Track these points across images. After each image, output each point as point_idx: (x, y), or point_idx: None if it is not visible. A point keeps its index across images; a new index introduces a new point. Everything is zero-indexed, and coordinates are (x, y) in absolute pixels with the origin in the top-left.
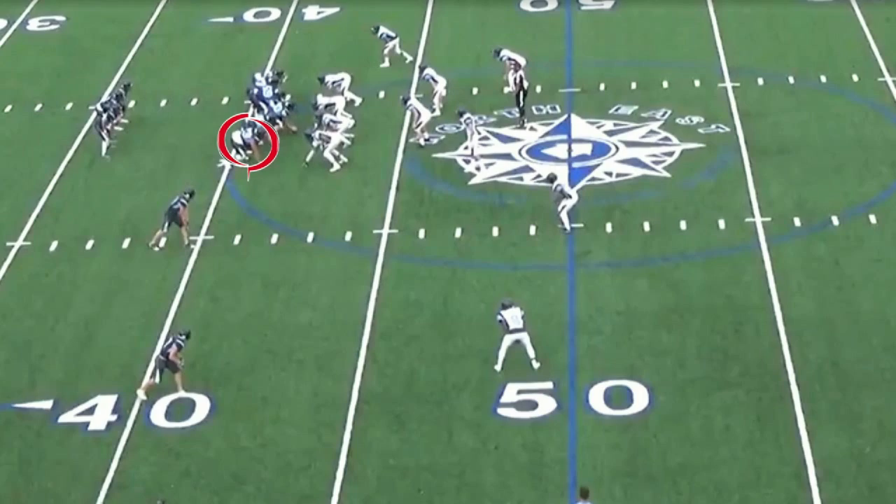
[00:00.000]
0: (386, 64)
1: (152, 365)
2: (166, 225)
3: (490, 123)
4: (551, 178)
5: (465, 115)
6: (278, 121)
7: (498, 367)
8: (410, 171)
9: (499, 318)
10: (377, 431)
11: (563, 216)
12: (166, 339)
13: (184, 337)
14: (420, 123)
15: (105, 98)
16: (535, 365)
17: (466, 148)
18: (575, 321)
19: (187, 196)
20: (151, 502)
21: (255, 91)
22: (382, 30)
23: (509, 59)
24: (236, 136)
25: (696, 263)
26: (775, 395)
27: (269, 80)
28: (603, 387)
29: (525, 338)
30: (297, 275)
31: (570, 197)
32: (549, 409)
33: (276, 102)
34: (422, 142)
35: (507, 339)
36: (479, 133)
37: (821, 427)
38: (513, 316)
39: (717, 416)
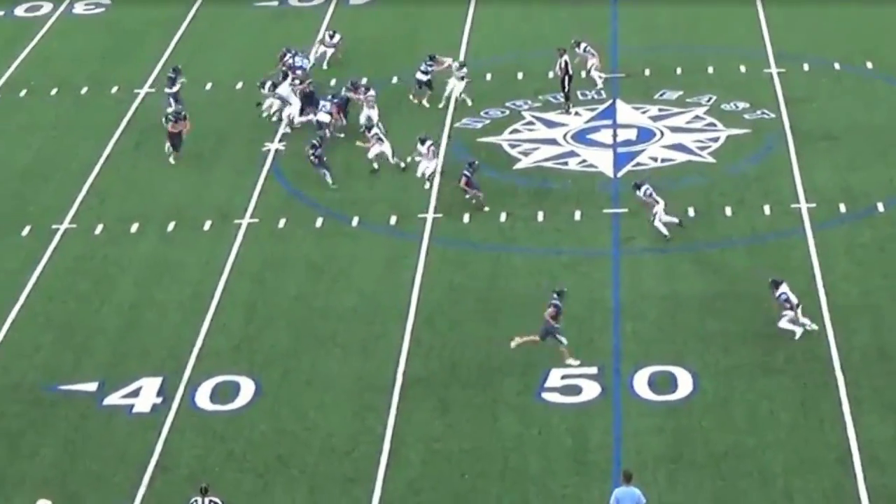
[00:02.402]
0: (599, 85)
1: None
2: None
3: (535, 108)
4: (637, 185)
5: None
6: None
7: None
8: (455, 156)
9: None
10: (421, 415)
11: (658, 224)
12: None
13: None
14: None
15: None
16: None
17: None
18: (619, 306)
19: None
20: (195, 485)
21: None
22: (584, 45)
23: (589, 51)
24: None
25: (740, 249)
26: (820, 381)
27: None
28: (647, 372)
29: None
30: (341, 259)
31: (658, 202)
32: (594, 394)
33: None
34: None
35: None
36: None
37: (865, 413)
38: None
39: (761, 402)
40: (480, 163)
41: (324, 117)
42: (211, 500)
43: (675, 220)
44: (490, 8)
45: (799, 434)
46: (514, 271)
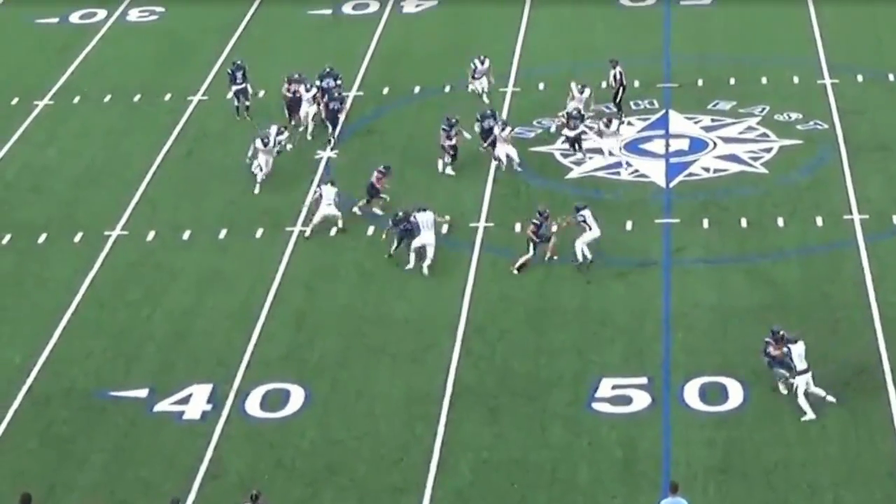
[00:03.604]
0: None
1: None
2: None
3: (588, 118)
4: (578, 208)
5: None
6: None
7: None
8: (507, 165)
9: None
10: (470, 425)
11: (579, 247)
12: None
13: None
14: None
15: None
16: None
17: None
18: (670, 317)
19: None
20: (245, 492)
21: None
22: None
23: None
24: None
25: (792, 260)
26: (871, 394)
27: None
28: (698, 383)
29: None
30: (392, 268)
31: (590, 229)
32: (644, 404)
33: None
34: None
35: None
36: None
37: None
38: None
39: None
40: (532, 172)
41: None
42: None
43: (589, 257)
44: (544, 16)
45: (849, 447)
46: (563, 281)
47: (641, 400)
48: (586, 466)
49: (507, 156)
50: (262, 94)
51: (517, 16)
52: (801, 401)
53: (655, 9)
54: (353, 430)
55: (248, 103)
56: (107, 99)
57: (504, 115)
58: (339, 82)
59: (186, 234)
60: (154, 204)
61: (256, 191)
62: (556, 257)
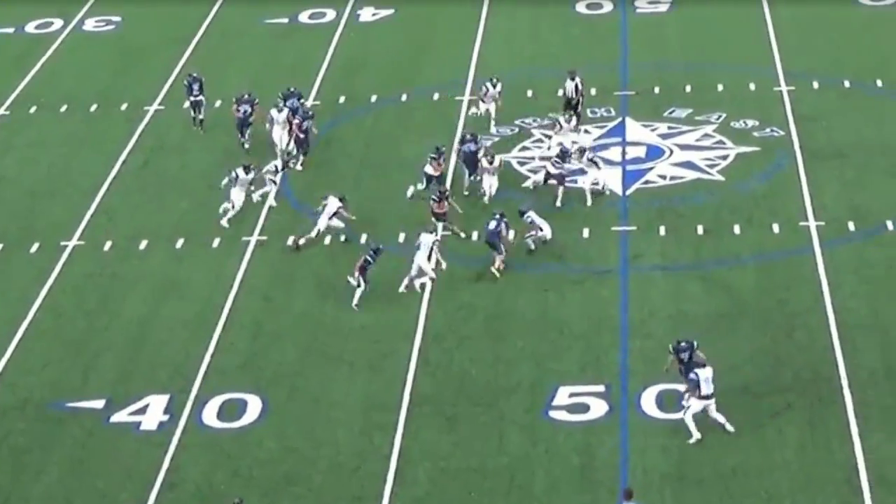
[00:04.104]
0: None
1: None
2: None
3: (545, 126)
4: (521, 212)
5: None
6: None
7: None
8: (463, 173)
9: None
10: (428, 433)
11: (529, 241)
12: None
13: (373, 252)
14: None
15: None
16: None
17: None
18: (627, 324)
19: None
20: (202, 502)
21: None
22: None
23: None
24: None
25: (749, 267)
26: (827, 401)
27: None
28: (655, 390)
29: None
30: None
31: (541, 229)
32: (601, 412)
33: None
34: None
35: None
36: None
37: (873, 433)
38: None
39: (768, 421)
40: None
41: (428, 169)
42: None
43: (532, 246)
44: (500, 25)
45: (806, 453)
46: (521, 289)
47: (599, 408)
48: (544, 474)
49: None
50: (218, 103)
51: (473, 24)
52: (689, 421)
53: (612, 17)
54: (311, 440)
55: (201, 116)
56: (63, 108)
57: (461, 124)
58: (302, 100)
59: (143, 244)
60: (111, 214)
61: (224, 223)
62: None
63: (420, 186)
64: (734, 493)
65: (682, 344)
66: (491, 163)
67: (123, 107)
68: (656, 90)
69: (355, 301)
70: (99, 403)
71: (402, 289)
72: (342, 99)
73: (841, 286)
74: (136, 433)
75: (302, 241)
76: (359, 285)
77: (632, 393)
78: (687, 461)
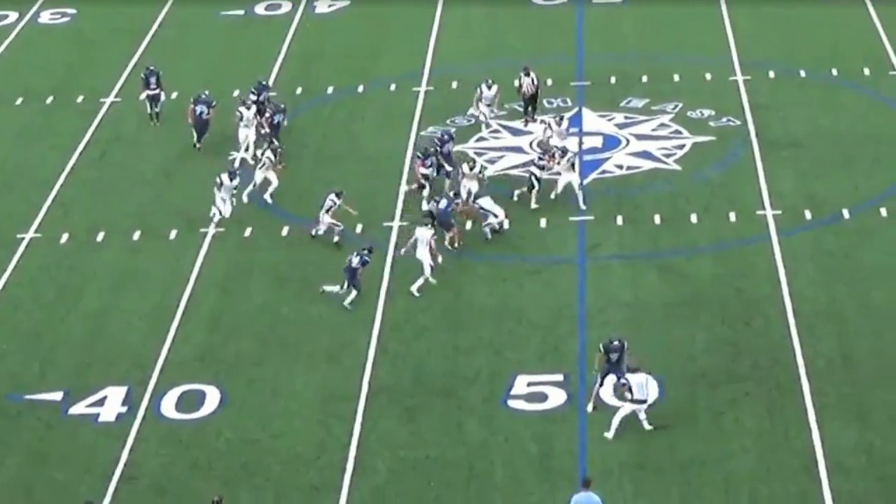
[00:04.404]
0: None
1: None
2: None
3: (501, 116)
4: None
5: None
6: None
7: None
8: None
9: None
10: (387, 423)
11: (487, 229)
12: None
13: (366, 251)
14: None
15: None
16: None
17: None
18: (585, 314)
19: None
20: (161, 493)
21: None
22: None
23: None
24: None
25: (706, 256)
26: (785, 388)
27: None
28: (612, 379)
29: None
30: (307, 267)
31: (495, 215)
32: (559, 401)
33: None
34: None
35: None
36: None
37: (831, 420)
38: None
39: (726, 409)
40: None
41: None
42: None
43: (489, 235)
44: (457, 16)
45: (764, 441)
46: (479, 279)
47: (557, 397)
48: (502, 464)
49: (469, 191)
50: (174, 95)
51: (430, 15)
52: (616, 421)
53: (568, 8)
54: (269, 430)
55: (157, 110)
56: (19, 101)
57: (417, 114)
58: (273, 93)
59: (100, 236)
60: (67, 206)
61: (210, 230)
62: (459, 244)
63: (425, 192)
64: (692, 482)
65: (615, 343)
66: (472, 168)
67: (79, 99)
68: (612, 80)
69: (347, 301)
70: (57, 395)
71: (415, 290)
72: (299, 90)
73: (798, 274)
74: (94, 425)
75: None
76: (350, 292)
77: (590, 382)
78: (645, 449)
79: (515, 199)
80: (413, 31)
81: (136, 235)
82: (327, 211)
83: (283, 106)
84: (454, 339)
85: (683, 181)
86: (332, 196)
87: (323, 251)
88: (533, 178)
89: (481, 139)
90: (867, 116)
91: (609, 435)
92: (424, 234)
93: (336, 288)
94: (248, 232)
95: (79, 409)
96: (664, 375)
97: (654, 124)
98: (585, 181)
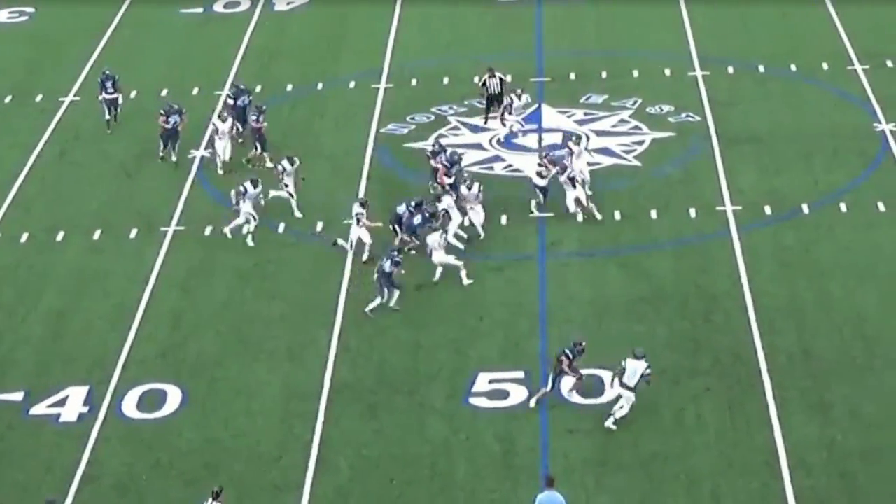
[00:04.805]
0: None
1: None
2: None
3: (461, 113)
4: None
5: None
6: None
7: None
8: (381, 162)
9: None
10: (349, 422)
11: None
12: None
13: (398, 256)
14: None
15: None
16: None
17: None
18: (546, 310)
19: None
20: (123, 493)
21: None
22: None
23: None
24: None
25: (666, 252)
26: (746, 384)
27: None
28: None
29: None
30: (268, 266)
31: (450, 219)
32: (521, 398)
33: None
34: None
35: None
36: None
37: (792, 415)
38: (633, 370)
39: (688, 405)
40: (406, 169)
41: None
42: None
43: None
44: (416, 13)
45: (726, 437)
46: (441, 276)
47: (519, 394)
48: (465, 461)
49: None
50: (133, 94)
51: (389, 12)
52: (625, 410)
53: (527, 4)
54: (231, 429)
55: (116, 113)
56: None
57: (377, 111)
58: (251, 97)
59: (60, 236)
60: (27, 205)
61: (250, 242)
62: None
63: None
64: (655, 478)
65: (578, 347)
66: (470, 189)
67: (38, 98)
68: (572, 76)
69: (393, 302)
70: (18, 396)
71: (466, 281)
72: (258, 88)
73: (758, 270)
74: (55, 425)
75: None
76: (392, 294)
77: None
78: (608, 446)
79: (534, 210)
80: (372, 28)
81: (97, 235)
82: (358, 222)
83: (263, 107)
84: (416, 336)
85: (643, 177)
86: (357, 206)
87: (283, 249)
88: (536, 188)
89: (441, 136)
90: (826, 112)
91: (611, 425)
92: (434, 239)
93: (377, 301)
94: (208, 231)
95: (40, 409)
96: None
97: (614, 120)
98: (546, 180)
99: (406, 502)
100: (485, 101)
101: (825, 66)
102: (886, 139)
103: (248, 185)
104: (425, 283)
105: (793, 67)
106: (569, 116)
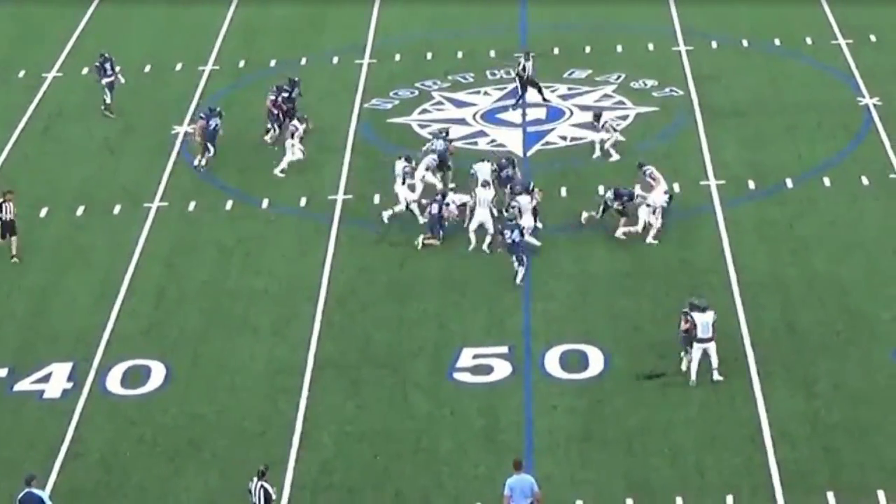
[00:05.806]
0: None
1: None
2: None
3: (444, 88)
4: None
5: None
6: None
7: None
8: (364, 137)
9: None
10: (333, 397)
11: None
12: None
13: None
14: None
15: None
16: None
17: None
18: (530, 285)
19: None
20: (107, 470)
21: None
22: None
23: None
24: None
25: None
26: (730, 358)
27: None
28: (558, 351)
29: (712, 347)
30: (251, 241)
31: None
32: (505, 373)
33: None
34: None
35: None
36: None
37: (775, 389)
38: (704, 323)
39: (672, 379)
40: (390, 144)
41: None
42: (263, 486)
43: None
44: None
45: (710, 411)
46: (423, 252)
47: (502, 369)
48: (449, 436)
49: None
50: (117, 69)
51: None
52: (694, 366)
53: None
54: (215, 405)
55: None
56: None
57: (360, 86)
58: (223, 118)
59: (44, 212)
60: (11, 181)
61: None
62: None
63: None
64: (638, 452)
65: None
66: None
67: (21, 74)
68: (556, 51)
69: (519, 278)
70: (1, 372)
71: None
72: (242, 63)
73: (742, 244)
74: (39, 401)
75: (420, 240)
76: (521, 263)
77: (535, 354)
78: (591, 421)
79: (584, 221)
80: (355, 3)
81: (80, 211)
82: (403, 182)
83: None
84: (399, 311)
85: (627, 151)
86: (403, 162)
87: (266, 224)
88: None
89: (424, 111)
90: (809, 86)
91: (693, 381)
92: (526, 201)
93: (435, 242)
94: (191, 206)
95: (24, 385)
96: (609, 347)
97: (598, 95)
98: (529, 153)
99: (390, 477)
100: (519, 85)
101: (808, 40)
102: (870, 113)
103: (399, 163)
104: (409, 258)
105: (776, 41)
106: (552, 91)
